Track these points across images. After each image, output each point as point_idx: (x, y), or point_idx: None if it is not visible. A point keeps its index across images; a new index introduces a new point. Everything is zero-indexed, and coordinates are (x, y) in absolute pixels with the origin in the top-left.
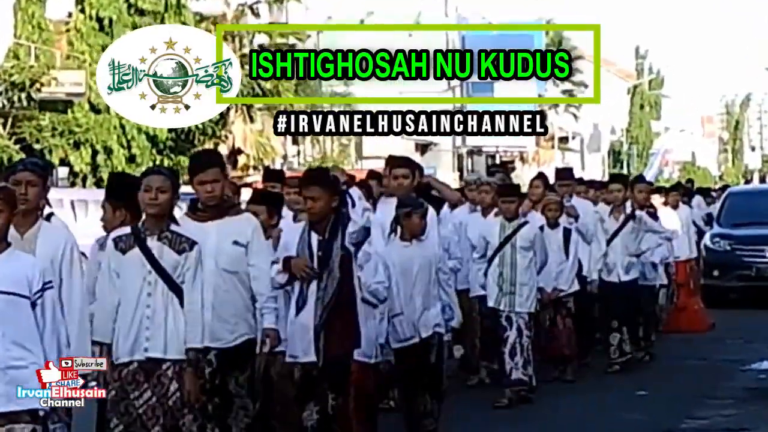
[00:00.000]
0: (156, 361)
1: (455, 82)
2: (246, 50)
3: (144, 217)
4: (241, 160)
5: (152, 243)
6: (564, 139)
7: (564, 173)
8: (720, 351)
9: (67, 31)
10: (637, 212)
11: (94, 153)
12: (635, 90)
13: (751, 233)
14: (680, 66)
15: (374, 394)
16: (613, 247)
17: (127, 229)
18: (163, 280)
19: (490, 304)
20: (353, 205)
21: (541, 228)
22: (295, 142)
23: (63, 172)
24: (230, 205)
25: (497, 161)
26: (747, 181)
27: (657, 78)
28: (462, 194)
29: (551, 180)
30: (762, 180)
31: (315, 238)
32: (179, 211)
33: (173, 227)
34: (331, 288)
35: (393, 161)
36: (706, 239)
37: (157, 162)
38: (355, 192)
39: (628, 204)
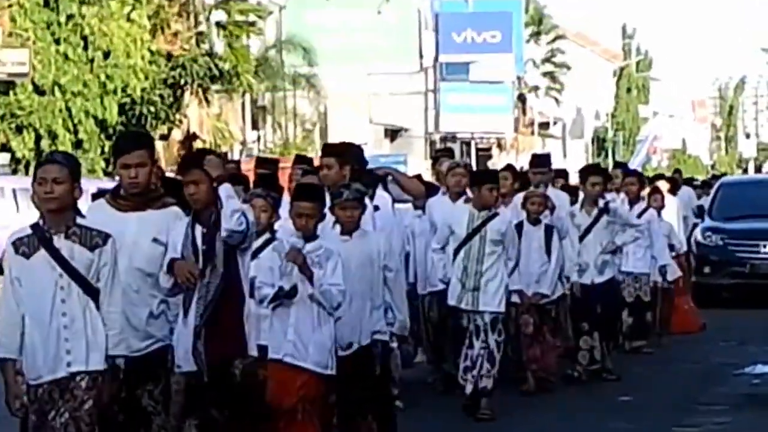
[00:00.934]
0: (72, 374)
1: (427, 62)
2: (202, 27)
3: (43, 213)
4: (197, 146)
5: (59, 242)
6: (545, 125)
7: (539, 160)
8: (712, 353)
9: (10, 6)
10: (612, 204)
11: (38, 138)
12: (621, 72)
13: (745, 227)
14: (670, 46)
15: (328, 409)
16: (586, 245)
17: (27, 230)
18: (76, 282)
19: (451, 302)
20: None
21: (520, 224)
22: (255, 127)
23: (4, 158)
24: (156, 196)
25: (473, 148)
26: (744, 171)
27: (645, 59)
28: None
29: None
30: (757, 169)
31: (199, 230)
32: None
33: (80, 221)
34: (213, 285)
35: (322, 149)
36: (697, 233)
37: (106, 149)
38: (224, 190)
39: (609, 195)
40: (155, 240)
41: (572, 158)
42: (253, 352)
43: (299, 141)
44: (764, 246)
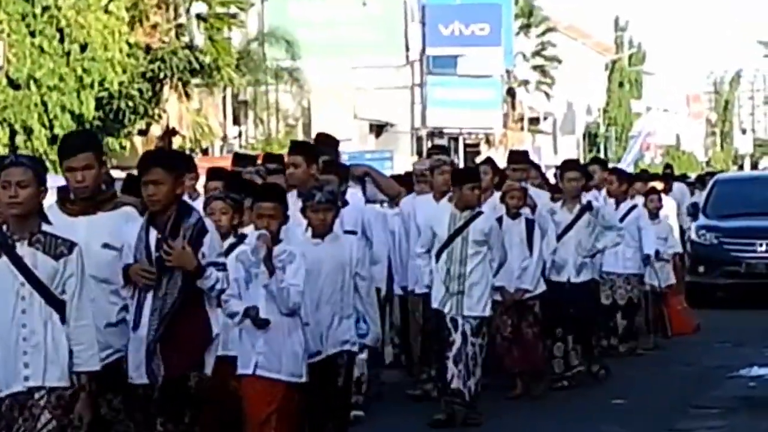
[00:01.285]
0: (30, 390)
1: (414, 56)
2: (182, 19)
3: (8, 219)
4: (176, 142)
5: (23, 249)
6: (534, 120)
7: (518, 156)
8: (706, 355)
9: None
10: (595, 203)
11: (13, 133)
12: (614, 66)
13: (740, 225)
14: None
15: (300, 419)
16: (565, 243)
17: None
18: (39, 293)
19: (435, 305)
20: None
21: (500, 219)
22: (236, 122)
23: None
24: (106, 198)
25: (461, 144)
26: (739, 168)
27: (638, 52)
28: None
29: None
30: (753, 166)
31: (153, 235)
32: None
33: (45, 227)
34: (171, 297)
35: (289, 147)
36: (691, 232)
37: None
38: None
39: (591, 193)
40: (106, 245)
41: (563, 154)
42: (210, 366)
43: (282, 137)
44: (760, 245)
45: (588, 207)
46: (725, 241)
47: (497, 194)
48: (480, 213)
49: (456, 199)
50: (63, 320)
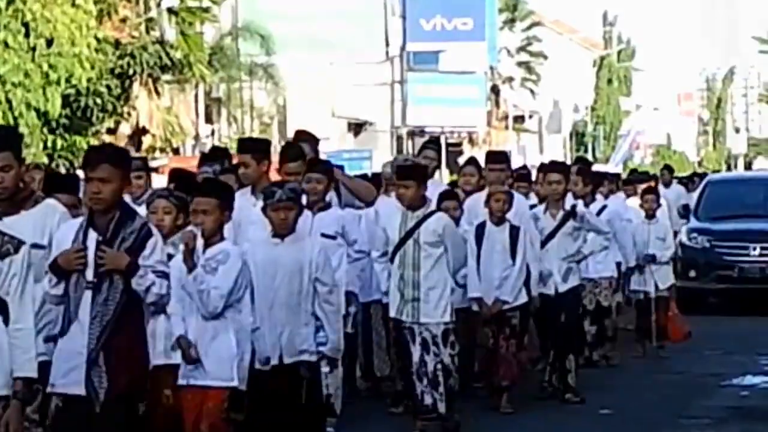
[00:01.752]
0: None
1: (394, 51)
2: (153, 13)
3: None
4: (146, 141)
5: None
6: (519, 119)
7: (496, 156)
8: (697, 363)
9: None
10: (579, 208)
11: None
12: (602, 62)
13: (733, 228)
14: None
15: (228, 425)
16: (549, 251)
17: None
18: None
19: (392, 313)
20: None
21: (483, 224)
22: (208, 120)
23: None
24: (26, 195)
25: (443, 144)
26: (730, 168)
27: (627, 48)
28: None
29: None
30: (747, 166)
31: (93, 237)
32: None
33: None
34: (113, 302)
35: (237, 145)
36: (682, 235)
37: (49, 143)
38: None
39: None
40: (35, 245)
41: (549, 154)
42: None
43: (256, 135)
44: (754, 248)
45: (572, 213)
46: (717, 244)
47: (477, 197)
48: (433, 212)
49: (401, 197)
50: (6, 322)
